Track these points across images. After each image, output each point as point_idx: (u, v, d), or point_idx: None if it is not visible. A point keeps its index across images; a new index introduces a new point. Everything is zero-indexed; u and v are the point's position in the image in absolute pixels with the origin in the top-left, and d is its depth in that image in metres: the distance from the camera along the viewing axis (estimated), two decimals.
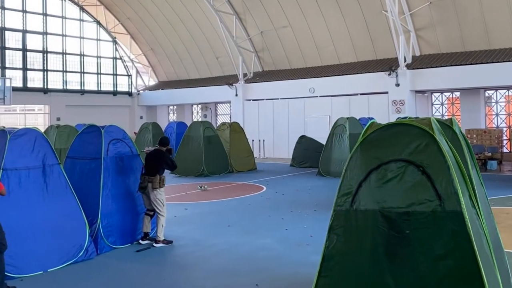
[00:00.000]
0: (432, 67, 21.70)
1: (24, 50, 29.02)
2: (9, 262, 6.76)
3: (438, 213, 3.99)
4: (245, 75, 28.67)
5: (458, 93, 23.27)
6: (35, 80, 29.67)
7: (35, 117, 31.07)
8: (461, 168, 4.20)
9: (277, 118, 26.96)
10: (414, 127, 4.24)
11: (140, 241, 8.65)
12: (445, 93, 23.82)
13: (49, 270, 7.12)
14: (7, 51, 28.24)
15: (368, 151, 4.35)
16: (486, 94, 22.80)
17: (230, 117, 30.70)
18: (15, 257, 6.86)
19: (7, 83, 25.21)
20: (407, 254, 4.05)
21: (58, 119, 28.39)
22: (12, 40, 28.61)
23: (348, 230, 4.32)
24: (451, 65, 21.12)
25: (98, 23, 32.90)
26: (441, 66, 21.40)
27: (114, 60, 34.01)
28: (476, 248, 3.79)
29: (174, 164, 9.01)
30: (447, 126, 5.48)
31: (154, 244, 8.45)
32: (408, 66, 22.22)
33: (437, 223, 3.98)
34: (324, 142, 19.40)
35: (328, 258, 4.34)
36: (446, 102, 24.01)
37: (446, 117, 21.69)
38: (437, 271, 3.93)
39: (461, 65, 20.82)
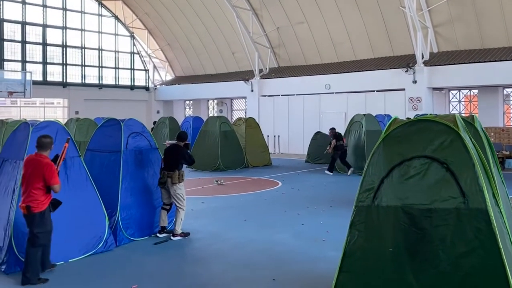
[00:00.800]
0: (450, 64, 21.48)
1: (44, 44, 29.35)
2: None
3: (461, 211, 3.96)
4: (260, 70, 28.66)
5: (476, 91, 23.01)
6: (54, 74, 30.02)
7: (54, 111, 31.46)
8: (484, 166, 4.16)
9: (293, 114, 26.93)
10: (439, 123, 4.21)
11: (158, 234, 8.75)
12: (462, 91, 23.58)
13: (69, 260, 7.23)
14: (27, 45, 28.60)
15: (391, 147, 4.33)
16: (505, 92, 22.51)
17: (245, 113, 30.74)
18: None
19: (28, 77, 25.57)
20: (428, 251, 4.03)
21: (77, 112, 28.71)
22: (33, 34, 28.96)
23: (370, 226, 4.32)
24: (469, 62, 20.88)
25: (116, 18, 33.13)
26: (459, 63, 21.17)
27: (132, 55, 34.24)
28: (501, 246, 3.76)
29: (192, 159, 9.07)
30: (468, 123, 5.44)
31: (172, 237, 8.54)
32: (426, 63, 22.03)
33: (461, 221, 3.96)
34: None
35: (349, 253, 4.35)
36: (463, 100, 23.78)
37: (464, 115, 21.50)
38: (459, 268, 3.91)
39: (479, 62, 20.59)
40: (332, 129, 18.13)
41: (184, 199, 8.72)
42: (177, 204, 8.64)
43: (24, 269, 6.32)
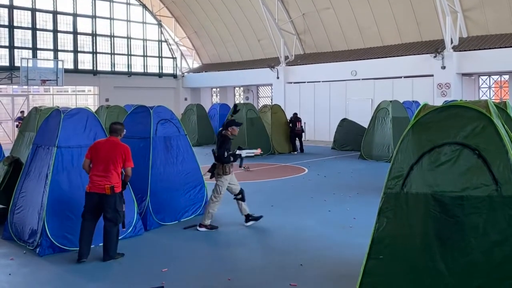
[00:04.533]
0: (480, 49, 21.04)
1: (75, 33, 29.78)
2: (64, 235, 7.10)
3: (494, 198, 3.88)
4: (286, 57, 28.54)
5: (507, 76, 22.49)
6: (85, 62, 30.49)
7: (86, 98, 31.99)
8: None
9: (319, 101, 26.79)
10: (471, 109, 4.12)
11: (244, 223, 8.47)
12: (493, 76, 23.06)
13: (100, 244, 7.38)
14: (59, 34, 29.05)
15: (420, 134, 4.26)
16: None
17: (271, 100, 30.73)
18: (69, 231, 7.16)
19: (60, 65, 26.03)
20: (460, 239, 3.98)
21: (107, 100, 29.15)
22: (64, 23, 29.38)
23: (399, 213, 4.27)
24: (500, 47, 20.41)
25: (144, 6, 33.32)
26: (490, 48, 20.72)
27: (160, 43, 34.47)
28: None
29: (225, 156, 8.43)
30: (501, 109, 5.33)
31: (198, 228, 8.32)
32: (455, 48, 21.61)
33: (493, 209, 3.88)
34: (366, 126, 19.20)
35: (377, 240, 4.32)
36: (493, 86, 23.27)
37: (494, 101, 21.07)
38: (492, 258, 3.85)
39: (511, 47, 20.09)
40: (293, 114, 21.03)
41: (220, 193, 8.40)
42: (212, 195, 8.43)
43: (106, 246, 6.69)
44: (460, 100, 5.48)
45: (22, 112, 24.93)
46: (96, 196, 6.59)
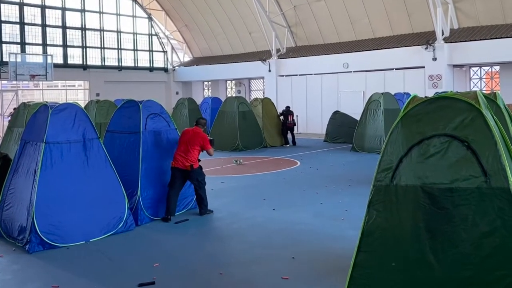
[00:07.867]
0: (471, 41, 21.06)
1: (64, 27, 29.41)
2: (54, 232, 7.06)
3: (483, 190, 3.87)
4: (278, 50, 28.46)
5: (497, 67, 22.56)
6: (74, 56, 30.17)
7: (76, 93, 31.70)
8: (507, 144, 4.07)
9: (311, 94, 26.78)
10: (460, 100, 4.10)
11: None
12: (484, 67, 23.13)
13: (90, 240, 7.34)
14: (47, 29, 28.71)
15: (410, 126, 4.23)
16: None
17: (263, 93, 30.65)
18: (59, 227, 7.12)
19: (49, 60, 25.74)
20: (449, 231, 3.97)
21: (97, 94, 28.89)
22: (52, 17, 29.00)
23: (388, 206, 4.26)
24: (491, 38, 20.43)
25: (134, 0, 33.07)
26: (480, 39, 20.73)
27: (150, 36, 34.20)
28: None
29: None
30: (491, 100, 5.32)
31: None
32: (446, 40, 21.63)
33: (482, 200, 3.88)
34: (358, 118, 19.23)
35: (367, 233, 4.30)
36: (484, 77, 23.34)
37: (485, 92, 21.11)
38: (481, 249, 3.85)
39: (501, 38, 20.13)
40: (286, 107, 21.16)
41: None
42: None
43: (200, 205, 8.82)
44: (450, 92, 5.45)
45: (15, 108, 24.63)
46: (180, 170, 8.49)
